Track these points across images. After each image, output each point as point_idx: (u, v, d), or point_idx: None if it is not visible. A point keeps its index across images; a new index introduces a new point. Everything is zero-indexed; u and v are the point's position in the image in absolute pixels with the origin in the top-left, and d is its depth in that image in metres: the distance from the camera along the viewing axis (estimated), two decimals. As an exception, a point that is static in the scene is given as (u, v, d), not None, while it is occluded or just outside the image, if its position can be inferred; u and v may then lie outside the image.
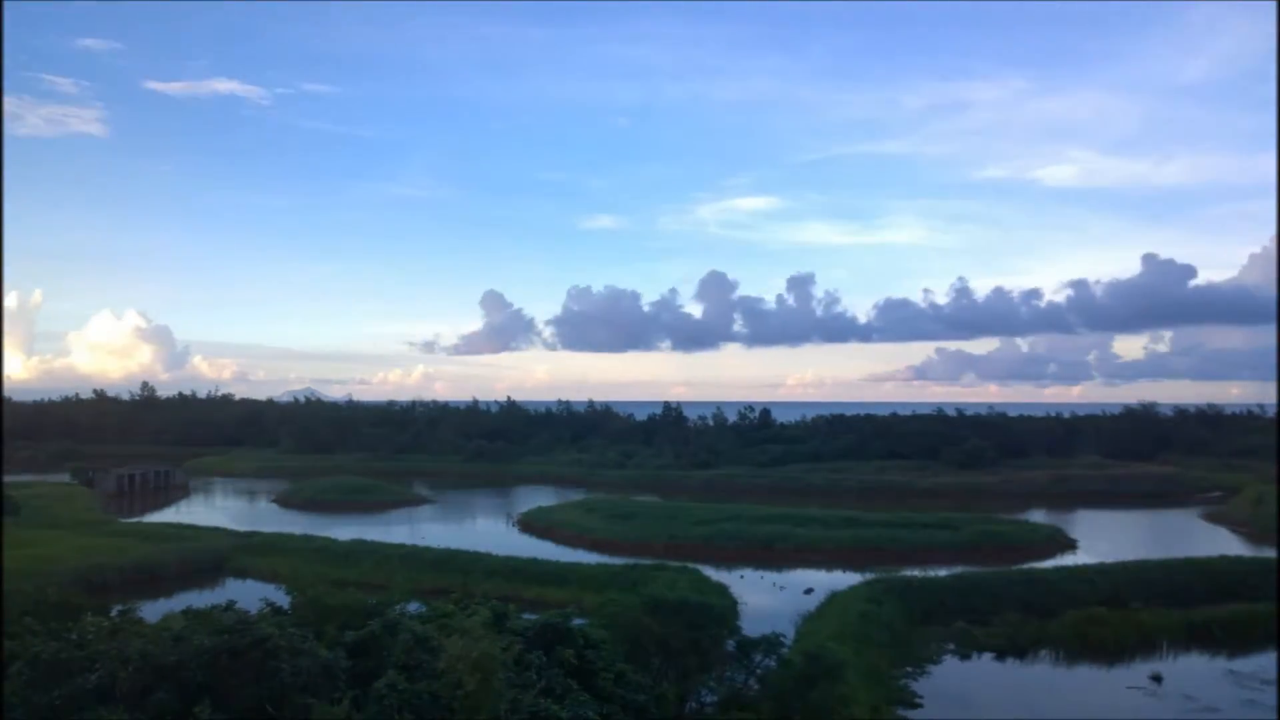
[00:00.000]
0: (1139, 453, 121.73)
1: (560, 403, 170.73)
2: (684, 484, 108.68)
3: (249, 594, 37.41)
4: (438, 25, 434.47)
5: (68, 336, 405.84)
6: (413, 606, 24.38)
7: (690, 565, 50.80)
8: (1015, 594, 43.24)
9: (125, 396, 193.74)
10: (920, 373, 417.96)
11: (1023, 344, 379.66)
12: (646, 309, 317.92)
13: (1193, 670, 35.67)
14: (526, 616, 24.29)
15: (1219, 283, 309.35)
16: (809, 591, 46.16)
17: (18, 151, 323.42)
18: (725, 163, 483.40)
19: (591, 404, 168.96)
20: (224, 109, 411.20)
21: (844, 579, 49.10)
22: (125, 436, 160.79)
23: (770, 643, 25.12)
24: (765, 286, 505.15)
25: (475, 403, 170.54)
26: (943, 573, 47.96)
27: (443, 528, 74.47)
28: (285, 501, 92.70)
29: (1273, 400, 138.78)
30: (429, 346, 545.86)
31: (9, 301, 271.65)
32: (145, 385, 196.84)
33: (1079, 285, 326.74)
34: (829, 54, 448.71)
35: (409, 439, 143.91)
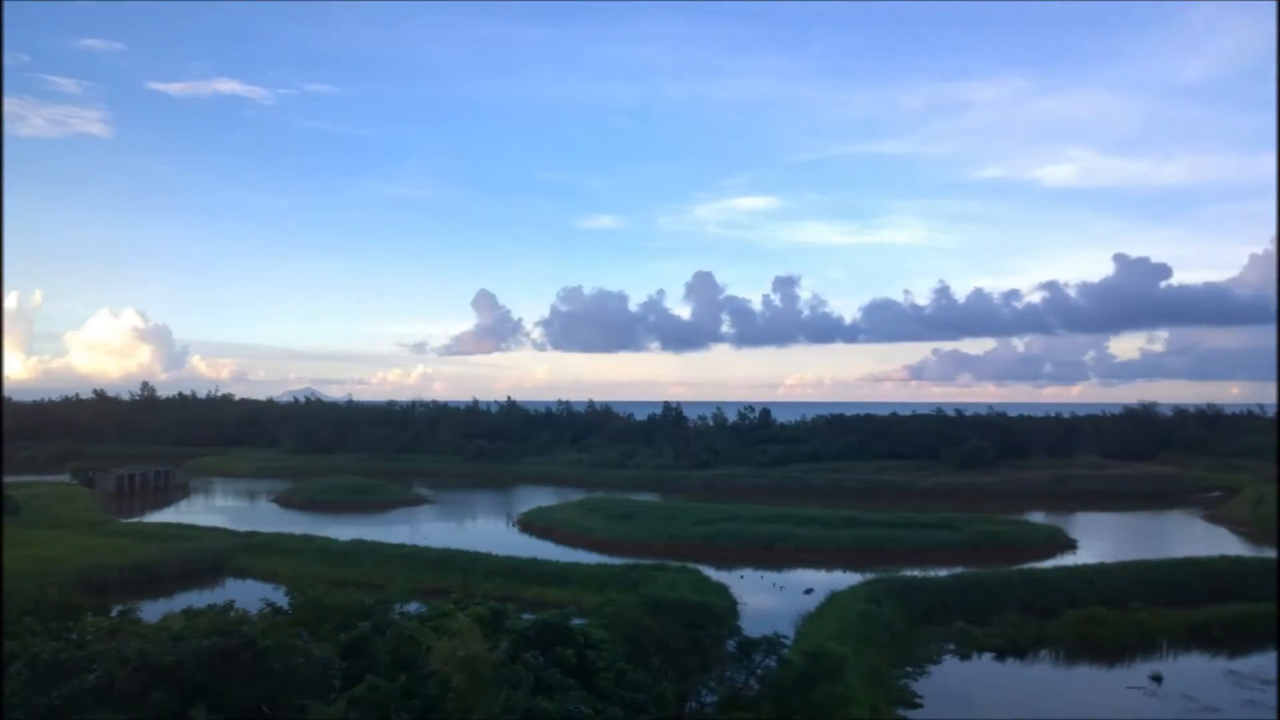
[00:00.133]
0: (1139, 453, 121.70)
1: (560, 403, 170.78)
2: (684, 484, 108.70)
3: (249, 594, 37.45)
4: (438, 25, 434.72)
5: (66, 336, 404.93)
6: (412, 606, 24.41)
7: (690, 565, 50.81)
8: (1015, 594, 43.24)
9: (125, 396, 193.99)
10: (917, 373, 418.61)
11: (1019, 344, 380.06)
12: (645, 309, 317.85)
13: (1193, 670, 35.66)
14: (526, 616, 24.29)
15: (1192, 284, 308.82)
16: (809, 591, 46.15)
17: (18, 151, 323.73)
18: (724, 162, 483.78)
19: (591, 404, 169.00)
20: (225, 109, 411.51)
21: (844, 579, 49.08)
22: (125, 436, 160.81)
23: (770, 643, 25.10)
24: (765, 287, 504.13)
25: (475, 403, 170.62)
26: (943, 573, 47.95)
27: (442, 528, 74.49)
28: (285, 501, 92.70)
29: (1272, 400, 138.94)
30: (426, 347, 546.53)
31: (9, 302, 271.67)
32: (145, 385, 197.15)
33: (1052, 286, 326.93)
34: (828, 54, 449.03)
35: (409, 439, 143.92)
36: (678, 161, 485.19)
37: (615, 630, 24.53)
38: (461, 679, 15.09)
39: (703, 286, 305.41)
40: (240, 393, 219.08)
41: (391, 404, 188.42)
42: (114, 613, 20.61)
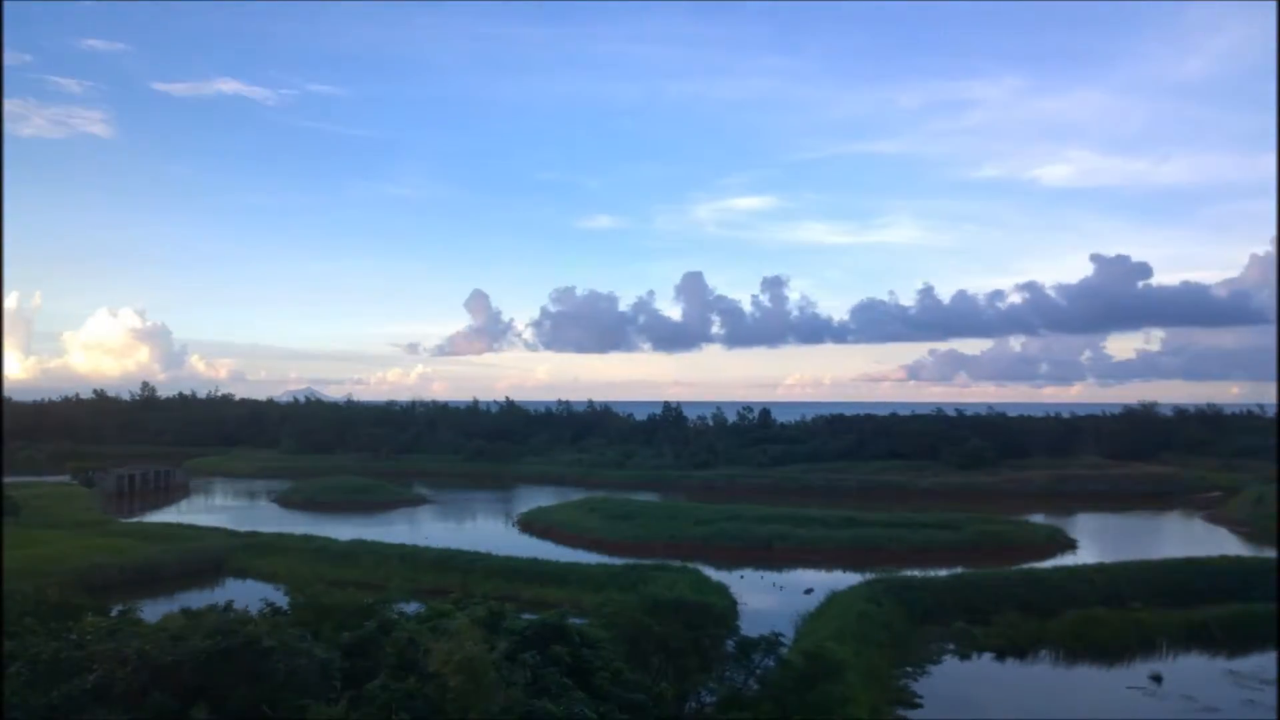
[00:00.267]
0: (1139, 453, 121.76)
1: (560, 403, 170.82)
2: (684, 484, 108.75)
3: (249, 594, 37.48)
4: (439, 25, 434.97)
5: (65, 336, 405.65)
6: (412, 606, 24.41)
7: (690, 565, 50.82)
8: (1015, 594, 43.25)
9: (125, 396, 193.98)
10: (914, 373, 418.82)
11: (1016, 344, 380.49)
12: (644, 309, 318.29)
13: (1193, 670, 35.66)
14: (525, 616, 24.29)
15: (1170, 284, 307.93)
16: (809, 591, 46.14)
17: (18, 152, 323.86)
18: (722, 162, 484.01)
19: (591, 404, 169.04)
20: (226, 109, 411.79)
21: (844, 579, 49.09)
22: (125, 436, 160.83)
23: (770, 643, 25.08)
24: (765, 287, 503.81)
25: (475, 403, 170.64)
26: (943, 573, 47.95)
27: (442, 528, 74.50)
28: (285, 501, 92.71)
29: (1272, 400, 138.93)
30: (423, 347, 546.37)
31: (9, 302, 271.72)
32: (145, 385, 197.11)
33: (1032, 287, 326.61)
34: (826, 53, 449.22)
35: (409, 439, 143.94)
36: (675, 161, 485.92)
37: (615, 630, 24.53)
38: (460, 681, 15.08)
39: (694, 287, 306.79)
40: (240, 393, 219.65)
41: (391, 404, 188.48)
42: (114, 613, 20.60)
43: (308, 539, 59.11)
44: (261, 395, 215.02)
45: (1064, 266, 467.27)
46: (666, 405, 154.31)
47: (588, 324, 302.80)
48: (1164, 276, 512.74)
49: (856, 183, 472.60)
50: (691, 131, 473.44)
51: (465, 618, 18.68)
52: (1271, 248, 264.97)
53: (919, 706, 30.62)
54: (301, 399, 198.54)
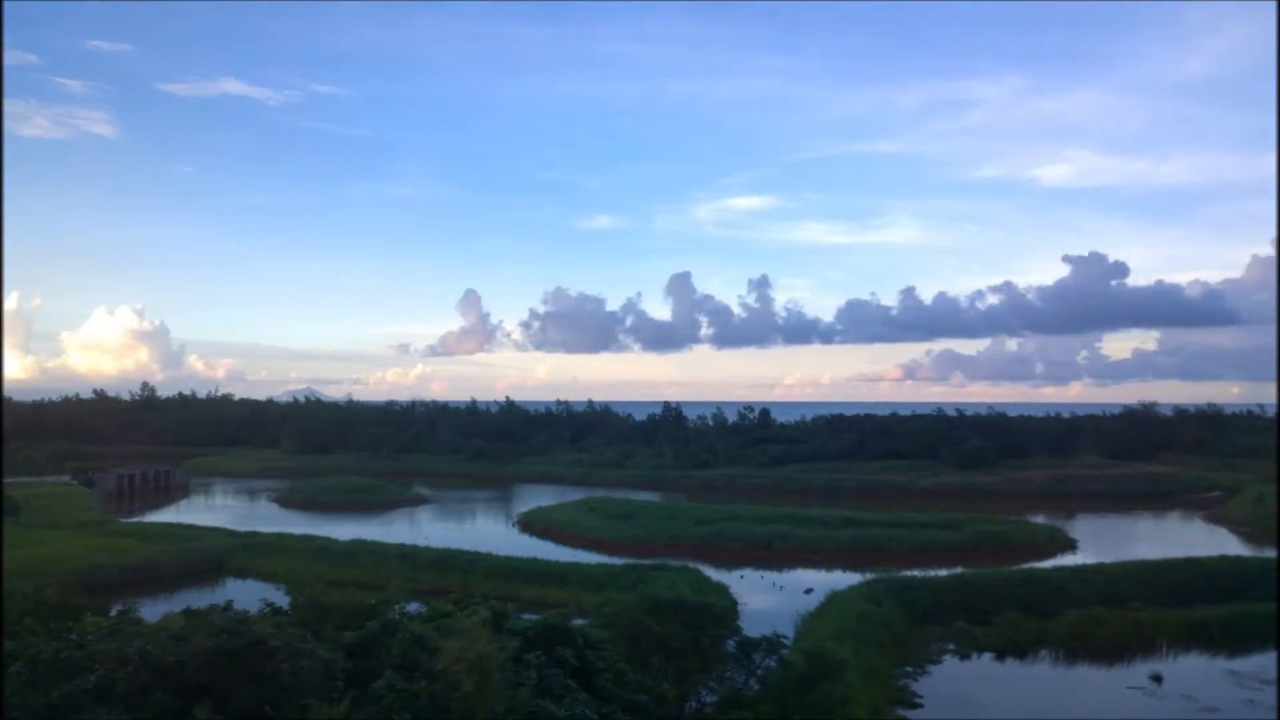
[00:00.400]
0: (1139, 453, 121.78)
1: (560, 403, 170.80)
2: (684, 484, 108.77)
3: (249, 594, 37.48)
4: (440, 26, 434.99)
5: (64, 336, 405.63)
6: (412, 607, 24.38)
7: (690, 565, 50.82)
8: (1015, 594, 43.24)
9: (124, 396, 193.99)
10: (910, 372, 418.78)
11: (1012, 344, 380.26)
12: (642, 309, 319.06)
13: (1193, 670, 35.67)
14: (526, 616, 24.29)
15: (1143, 285, 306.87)
16: (809, 591, 46.14)
17: (19, 152, 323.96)
18: (721, 162, 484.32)
19: (591, 404, 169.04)
20: (228, 109, 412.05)
21: (844, 579, 49.09)
22: (125, 436, 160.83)
23: (770, 643, 25.08)
24: (759, 287, 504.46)
25: (475, 403, 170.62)
26: (943, 573, 47.94)
27: (442, 528, 74.50)
28: (285, 501, 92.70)
29: (1272, 400, 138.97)
30: (424, 348, 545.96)
31: (9, 302, 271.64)
32: (145, 385, 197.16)
33: (1008, 288, 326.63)
34: (826, 53, 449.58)
35: (409, 439, 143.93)
36: (675, 161, 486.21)
37: (615, 630, 24.52)
38: (470, 680, 15.06)
39: (683, 288, 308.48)
40: (238, 392, 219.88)
41: (391, 404, 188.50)
42: (114, 613, 20.59)
43: (308, 539, 59.10)
44: (261, 395, 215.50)
45: (1062, 266, 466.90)
46: (666, 405, 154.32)
47: (585, 324, 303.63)
48: (1164, 276, 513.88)
49: (856, 183, 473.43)
50: (691, 131, 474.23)
51: (471, 618, 18.60)
52: (1272, 248, 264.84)
53: (919, 706, 30.62)
54: (301, 399, 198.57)
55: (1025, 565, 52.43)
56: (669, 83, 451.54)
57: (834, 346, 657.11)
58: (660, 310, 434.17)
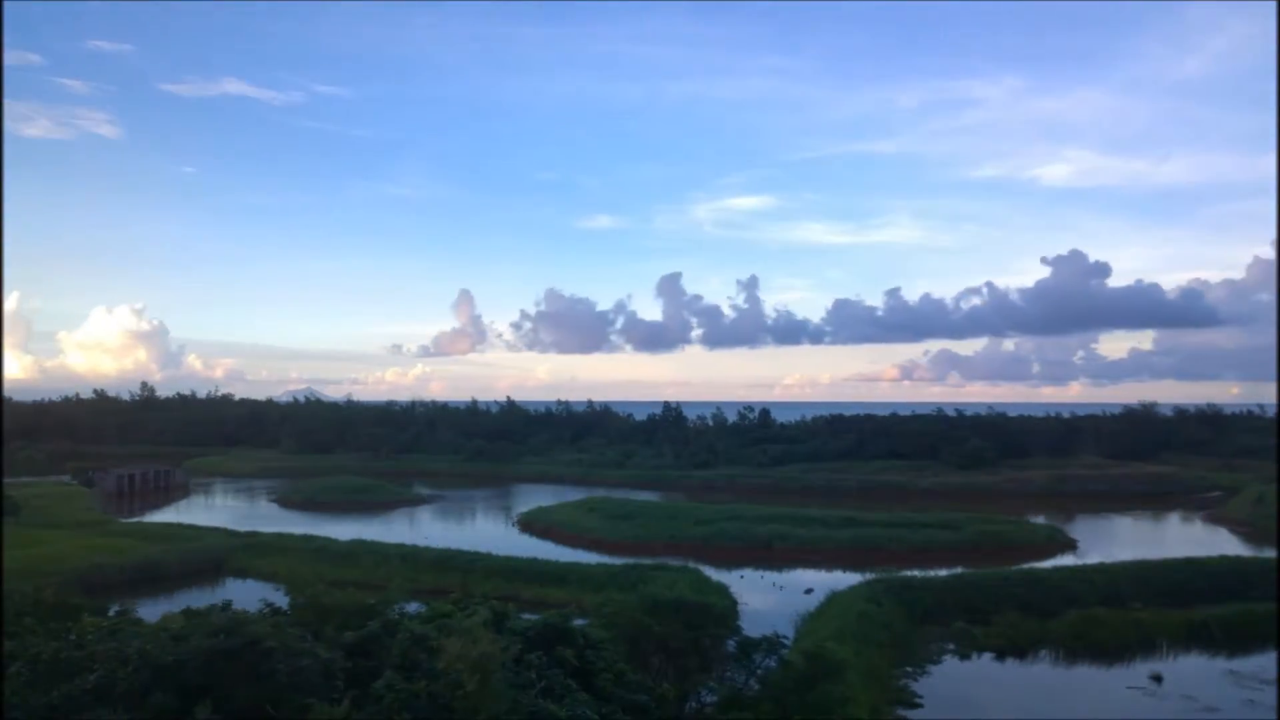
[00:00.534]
0: (1139, 453, 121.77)
1: (560, 403, 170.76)
2: (684, 484, 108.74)
3: (249, 594, 37.50)
4: (440, 26, 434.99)
5: (62, 336, 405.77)
6: (412, 607, 24.39)
7: (690, 565, 50.83)
8: (1015, 594, 43.23)
9: (124, 396, 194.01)
10: (907, 372, 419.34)
11: (1009, 344, 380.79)
12: (640, 309, 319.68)
13: (1193, 670, 35.66)
14: (526, 616, 24.28)
15: (1123, 285, 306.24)
16: (809, 591, 46.13)
17: (21, 152, 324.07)
18: (721, 162, 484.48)
19: (591, 404, 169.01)
20: (229, 110, 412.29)
21: (844, 579, 49.08)
22: (125, 436, 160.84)
23: (770, 643, 25.08)
24: (763, 287, 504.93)
25: (475, 403, 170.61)
26: (943, 573, 47.93)
27: (442, 528, 74.49)
28: (285, 501, 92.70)
29: (1272, 400, 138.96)
30: (426, 347, 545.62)
31: (9, 303, 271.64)
32: (145, 385, 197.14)
33: (989, 289, 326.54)
34: (825, 53, 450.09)
35: (409, 439, 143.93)
36: (674, 161, 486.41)
37: (615, 630, 24.52)
38: (472, 680, 15.05)
39: (673, 289, 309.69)
40: (238, 392, 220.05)
41: (391, 404, 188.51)
42: (113, 612, 20.59)
43: (308, 539, 59.10)
44: (261, 395, 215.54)
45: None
46: (666, 405, 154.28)
47: (582, 324, 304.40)
48: (1164, 277, 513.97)
49: (855, 183, 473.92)
50: (690, 131, 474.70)
51: (473, 618, 18.60)
52: (1272, 249, 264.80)
53: (919, 706, 30.61)
54: (301, 399, 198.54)
55: (1025, 565, 52.42)
56: (668, 83, 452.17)
57: (834, 347, 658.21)
58: (657, 310, 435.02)
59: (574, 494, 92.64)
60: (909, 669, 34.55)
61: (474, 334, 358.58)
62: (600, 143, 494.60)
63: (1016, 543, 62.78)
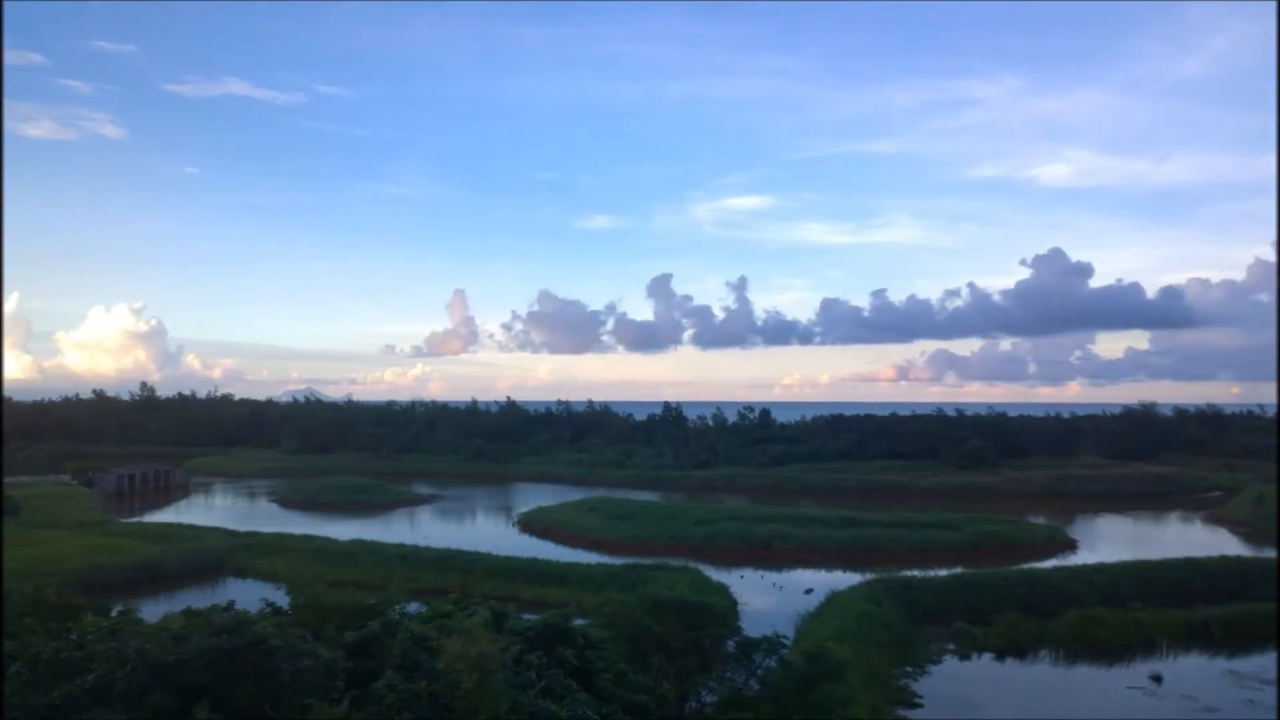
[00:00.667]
0: (1139, 453, 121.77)
1: (560, 403, 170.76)
2: (684, 484, 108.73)
3: (249, 594, 37.46)
4: (440, 26, 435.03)
5: (61, 335, 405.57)
6: (412, 607, 24.39)
7: (690, 565, 50.81)
8: (1015, 594, 43.24)
9: (123, 396, 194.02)
10: (903, 373, 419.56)
11: (1006, 344, 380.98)
12: (639, 309, 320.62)
13: (1193, 670, 35.67)
14: (526, 616, 24.27)
15: (1099, 287, 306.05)
16: (809, 591, 46.13)
17: (21, 152, 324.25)
18: (720, 161, 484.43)
19: (591, 404, 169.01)
20: (230, 110, 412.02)
21: (844, 579, 49.07)
22: (125, 436, 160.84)
23: (770, 643, 25.08)
24: (762, 287, 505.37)
25: (475, 403, 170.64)
26: (943, 573, 47.94)
27: (442, 527, 74.49)
28: (285, 501, 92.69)
29: (1272, 400, 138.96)
30: (426, 347, 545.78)
31: (9, 303, 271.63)
32: (144, 385, 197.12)
33: (972, 290, 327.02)
34: (824, 53, 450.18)
35: (409, 439, 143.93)
36: (673, 160, 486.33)
37: (615, 630, 24.52)
38: (472, 680, 15.05)
39: (664, 290, 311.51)
40: (237, 392, 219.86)
41: (391, 404, 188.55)
42: (113, 613, 20.58)
43: (308, 539, 59.09)
44: (261, 395, 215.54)
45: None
46: (666, 405, 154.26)
47: (578, 325, 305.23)
48: (1163, 277, 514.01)
49: (855, 182, 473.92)
50: (690, 131, 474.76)
51: (473, 618, 18.61)
52: (1272, 250, 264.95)
53: (919, 706, 30.62)
54: (301, 399, 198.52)
55: (1025, 565, 52.42)
56: (668, 82, 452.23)
57: (835, 347, 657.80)
58: (654, 311, 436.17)
59: (574, 494, 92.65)
60: (909, 669, 34.55)
61: (466, 335, 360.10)
62: (599, 142, 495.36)
63: (1016, 543, 62.77)
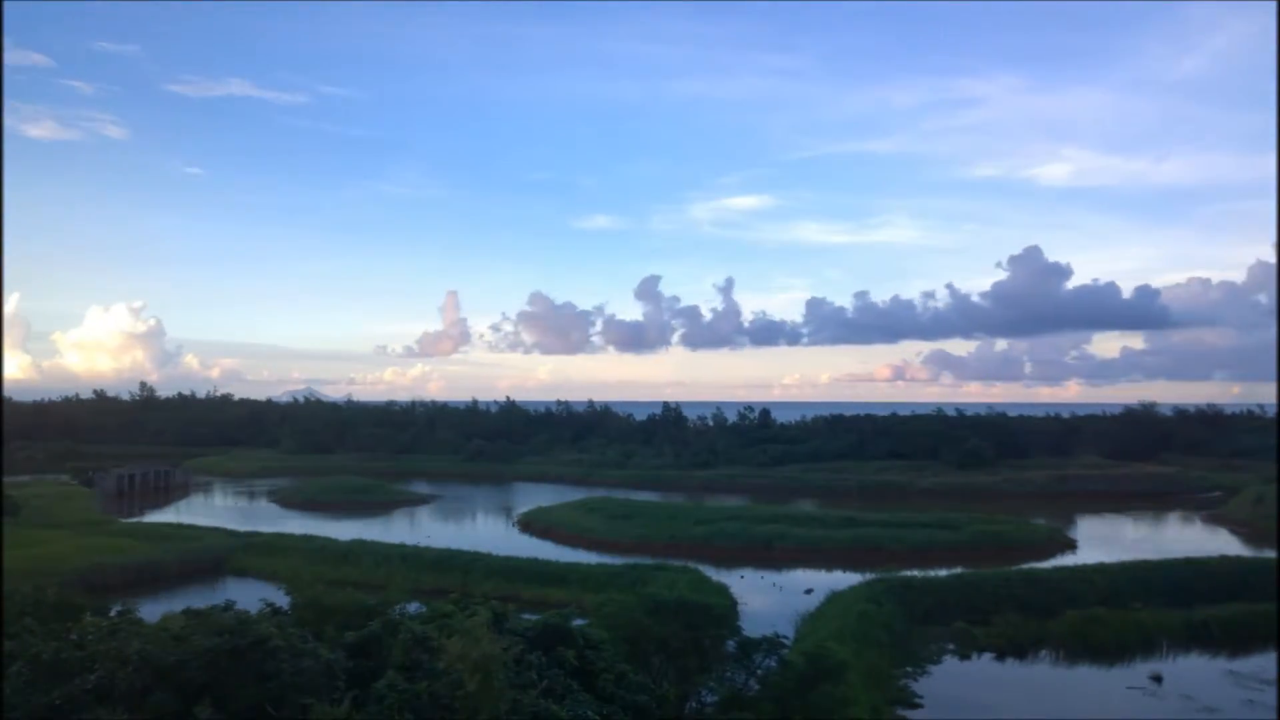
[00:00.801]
0: (1139, 453, 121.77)
1: (560, 403, 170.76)
2: (684, 484, 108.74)
3: (249, 594, 37.40)
4: (440, 26, 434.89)
5: (58, 335, 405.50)
6: (412, 607, 24.38)
7: (690, 565, 50.80)
8: (1015, 594, 43.23)
9: (123, 396, 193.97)
10: (899, 372, 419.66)
11: (1001, 344, 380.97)
12: (639, 310, 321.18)
13: (1193, 670, 35.67)
14: (526, 616, 24.27)
15: (1074, 287, 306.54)
16: (809, 591, 46.14)
17: (24, 153, 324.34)
18: (718, 161, 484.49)
19: (591, 404, 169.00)
20: (231, 110, 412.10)
21: (844, 579, 49.09)
22: (125, 436, 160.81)
23: (771, 643, 25.06)
24: (760, 287, 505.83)
25: (475, 403, 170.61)
26: (943, 573, 47.93)
27: (442, 528, 74.49)
28: (285, 501, 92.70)
29: (1272, 400, 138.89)
30: (426, 347, 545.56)
31: (9, 303, 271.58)
32: (144, 385, 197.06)
33: (952, 290, 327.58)
34: (824, 53, 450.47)
35: (409, 439, 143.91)
36: (672, 160, 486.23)
37: (615, 630, 24.50)
38: (474, 680, 15.04)
39: (651, 291, 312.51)
40: (237, 392, 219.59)
41: (391, 404, 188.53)
42: (114, 613, 20.57)
43: (308, 539, 59.11)
44: (261, 395, 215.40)
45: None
46: (666, 405, 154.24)
47: (586, 324, 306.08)
48: (1163, 276, 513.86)
49: (853, 182, 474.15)
50: (688, 131, 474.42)
51: (475, 618, 18.60)
52: (1272, 251, 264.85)
53: (919, 706, 30.62)
54: (301, 399, 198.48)
55: (1025, 565, 52.42)
56: (666, 82, 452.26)
57: (833, 348, 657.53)
58: (646, 312, 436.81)
59: (574, 494, 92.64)
60: (909, 669, 34.55)
61: (457, 335, 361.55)
62: (597, 142, 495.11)
63: (1016, 543, 62.77)
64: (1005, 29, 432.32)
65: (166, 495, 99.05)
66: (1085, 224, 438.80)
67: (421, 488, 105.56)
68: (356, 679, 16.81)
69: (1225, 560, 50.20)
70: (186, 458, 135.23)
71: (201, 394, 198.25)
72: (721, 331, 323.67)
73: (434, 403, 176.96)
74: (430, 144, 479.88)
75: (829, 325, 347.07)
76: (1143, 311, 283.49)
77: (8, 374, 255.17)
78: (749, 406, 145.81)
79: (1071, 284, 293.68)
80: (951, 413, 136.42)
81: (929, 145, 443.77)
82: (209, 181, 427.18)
